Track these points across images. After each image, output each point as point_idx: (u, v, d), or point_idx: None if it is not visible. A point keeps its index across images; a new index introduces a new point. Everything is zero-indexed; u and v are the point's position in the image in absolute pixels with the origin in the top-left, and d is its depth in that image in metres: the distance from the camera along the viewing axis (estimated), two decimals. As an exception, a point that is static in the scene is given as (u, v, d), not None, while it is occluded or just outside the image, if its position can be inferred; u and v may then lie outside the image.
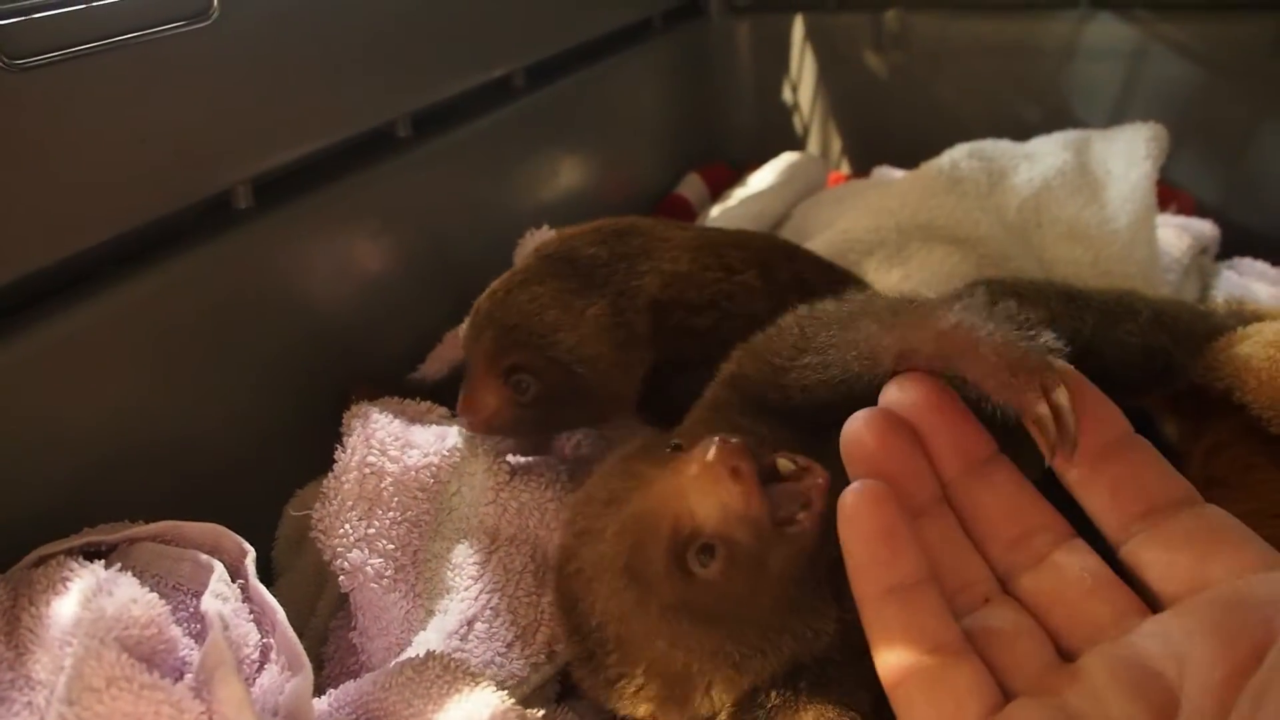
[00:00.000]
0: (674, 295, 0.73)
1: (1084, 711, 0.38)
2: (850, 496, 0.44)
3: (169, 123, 0.69)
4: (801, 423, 0.55)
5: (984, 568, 0.46)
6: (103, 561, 0.54)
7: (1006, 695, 0.41)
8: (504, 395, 0.70)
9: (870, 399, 0.48)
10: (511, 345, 0.69)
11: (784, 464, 0.48)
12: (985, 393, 0.45)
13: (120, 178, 0.66)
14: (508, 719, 0.54)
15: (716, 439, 0.47)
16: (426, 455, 0.72)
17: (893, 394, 0.47)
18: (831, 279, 0.80)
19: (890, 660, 0.43)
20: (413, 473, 0.70)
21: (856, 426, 0.46)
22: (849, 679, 0.51)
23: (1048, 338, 0.45)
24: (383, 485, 0.69)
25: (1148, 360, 0.66)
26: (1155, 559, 0.41)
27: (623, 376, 0.72)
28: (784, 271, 0.77)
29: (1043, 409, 0.43)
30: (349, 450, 0.69)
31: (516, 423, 0.71)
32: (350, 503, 0.67)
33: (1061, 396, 0.43)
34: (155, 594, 0.52)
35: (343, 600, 0.69)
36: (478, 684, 0.56)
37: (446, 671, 0.56)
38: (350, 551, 0.66)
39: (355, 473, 0.68)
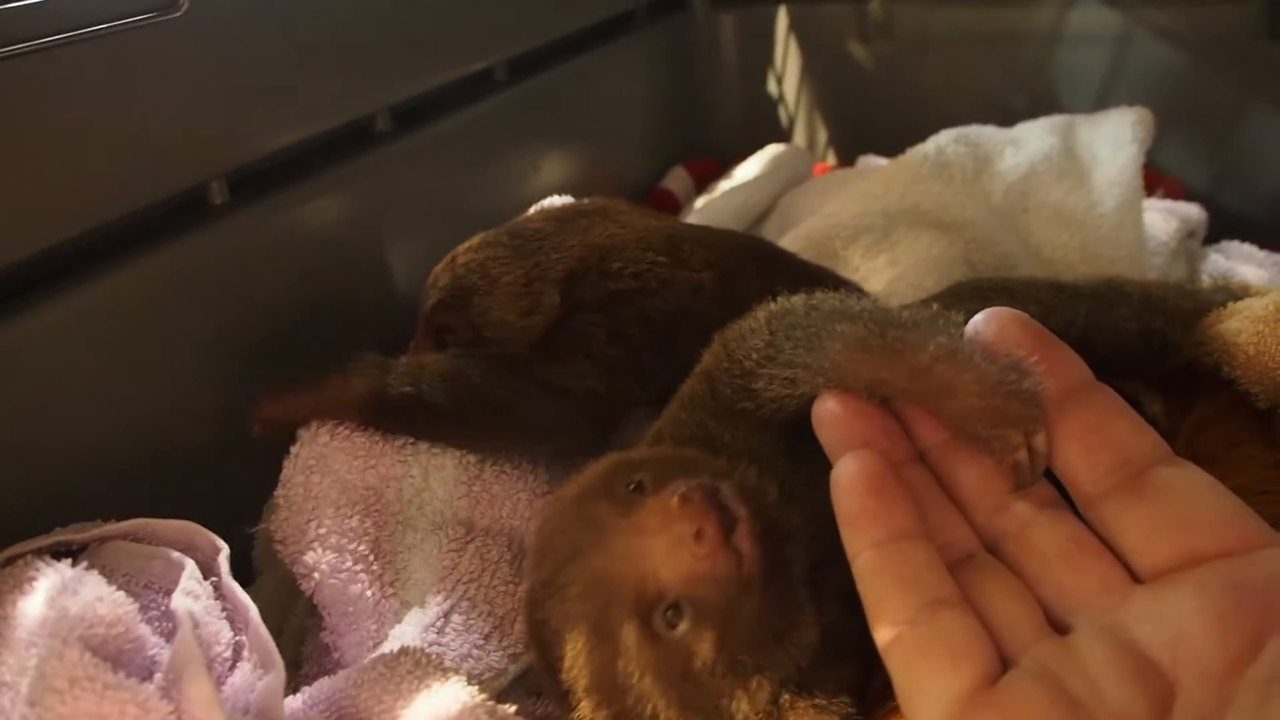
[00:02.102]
0: (593, 263, 0.75)
1: (1080, 695, 0.37)
2: (841, 460, 0.44)
3: (140, 117, 0.68)
4: (777, 425, 0.53)
5: (965, 527, 0.45)
6: (70, 560, 0.53)
7: (999, 660, 0.40)
8: (422, 340, 0.77)
9: None
10: (440, 307, 0.76)
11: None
12: (962, 434, 0.44)
13: (91, 173, 0.65)
14: (477, 714, 0.53)
15: (677, 496, 0.45)
16: (371, 448, 0.70)
17: None
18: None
19: (884, 616, 0.41)
20: (359, 467, 0.69)
21: (827, 403, 0.46)
22: (830, 683, 0.49)
23: (1032, 379, 0.42)
24: (325, 483, 0.67)
25: (1144, 343, 0.65)
26: (1136, 526, 0.40)
27: (531, 340, 0.75)
28: (752, 284, 0.76)
29: (1021, 456, 0.42)
30: (293, 457, 0.69)
31: None
32: (297, 507, 0.66)
33: (1040, 442, 0.42)
34: (123, 592, 0.51)
35: (319, 600, 0.68)
36: (449, 678, 0.55)
37: (418, 667, 0.55)
38: (305, 554, 0.65)
39: (300, 477, 0.67)
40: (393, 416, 0.69)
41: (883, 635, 0.41)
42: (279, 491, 0.68)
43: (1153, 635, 0.38)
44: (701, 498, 0.45)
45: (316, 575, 0.64)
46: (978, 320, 0.45)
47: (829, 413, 0.46)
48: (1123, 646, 0.38)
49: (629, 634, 0.45)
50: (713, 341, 0.58)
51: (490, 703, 0.54)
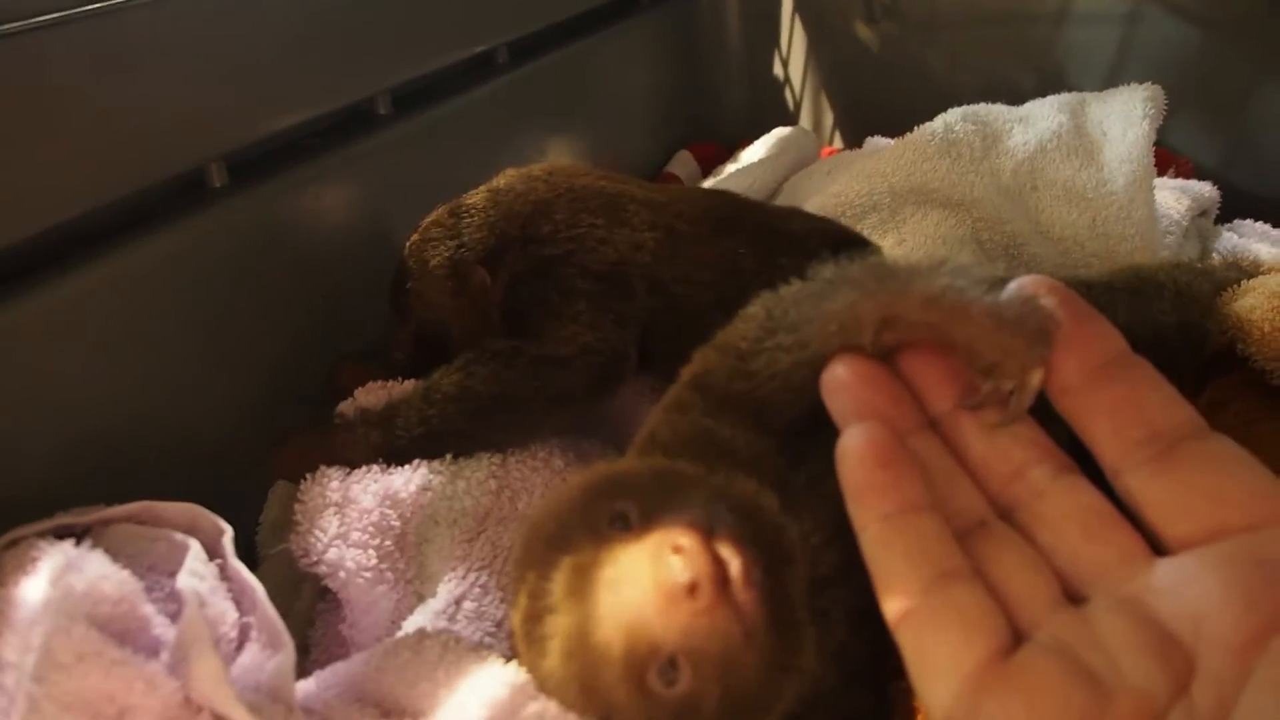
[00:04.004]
0: (514, 234, 0.75)
1: (1097, 669, 0.36)
2: (848, 431, 0.42)
3: (138, 97, 0.67)
4: (776, 421, 0.51)
5: (977, 495, 0.43)
6: (74, 542, 0.53)
7: (1015, 631, 0.39)
8: (401, 328, 0.80)
9: None
10: (395, 289, 0.80)
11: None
12: (978, 357, 0.42)
13: (87, 154, 0.65)
14: (526, 693, 0.51)
15: (669, 546, 0.41)
16: None
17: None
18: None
19: (893, 590, 0.40)
20: (379, 473, 0.68)
21: (836, 370, 0.44)
22: (838, 711, 0.47)
23: (1042, 312, 0.41)
24: (351, 479, 0.67)
25: (1184, 337, 0.64)
26: (1163, 498, 0.39)
27: (469, 319, 0.76)
28: (706, 246, 0.76)
29: (1037, 379, 0.41)
30: (308, 482, 0.68)
31: (415, 350, 0.80)
32: (322, 505, 0.65)
33: (1037, 377, 0.41)
34: (128, 572, 0.51)
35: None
36: (484, 660, 0.53)
37: (447, 650, 0.54)
38: (327, 552, 0.64)
39: (318, 488, 0.66)
40: (410, 456, 0.69)
41: (892, 610, 0.40)
42: (303, 489, 0.67)
43: (1173, 608, 0.37)
44: (695, 544, 0.40)
45: (342, 574, 0.64)
46: (1010, 290, 0.43)
47: (837, 380, 0.45)
48: (1142, 619, 0.37)
49: (621, 695, 0.42)
50: (695, 356, 0.56)
51: (533, 679, 0.51)
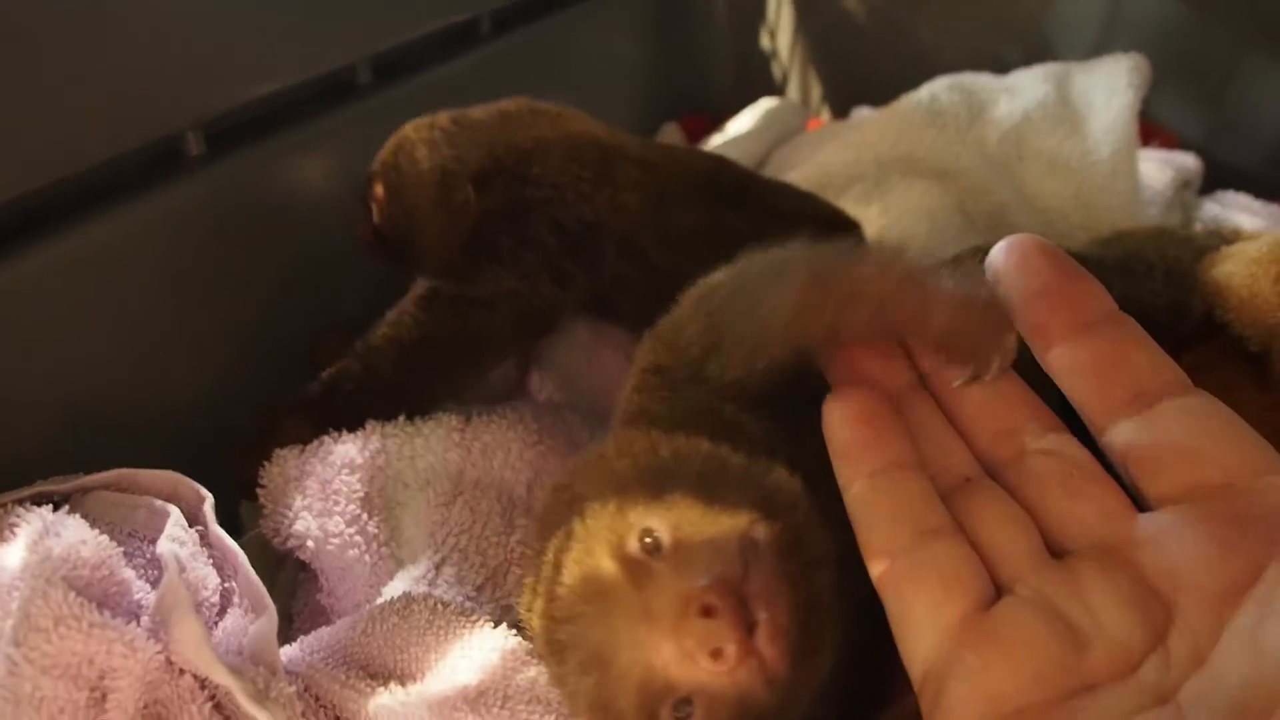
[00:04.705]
0: (508, 165, 0.74)
1: (1077, 619, 0.37)
2: (833, 392, 0.43)
3: (112, 62, 0.66)
4: (753, 394, 0.49)
5: (965, 452, 0.44)
6: (51, 509, 0.53)
7: (996, 585, 0.40)
8: (369, 216, 0.79)
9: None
10: (371, 177, 0.78)
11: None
12: (943, 354, 0.42)
13: (59, 120, 0.63)
14: (519, 658, 0.51)
15: (696, 606, 0.38)
16: None
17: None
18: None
19: (876, 548, 0.40)
20: (338, 437, 0.68)
21: None
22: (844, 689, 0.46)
23: (988, 288, 0.41)
24: (305, 461, 0.67)
25: (1172, 317, 0.64)
26: (1145, 454, 0.39)
27: (440, 233, 0.75)
28: (693, 211, 0.76)
29: (995, 369, 0.41)
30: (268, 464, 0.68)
31: (375, 245, 0.79)
32: (279, 491, 0.66)
33: (1009, 355, 0.42)
34: (106, 536, 0.51)
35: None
36: (474, 624, 0.53)
37: (435, 615, 0.54)
38: (294, 525, 0.64)
39: (277, 468, 0.66)
40: (355, 420, 0.69)
41: (875, 567, 0.40)
42: (267, 468, 0.67)
43: (1152, 562, 0.37)
44: (725, 605, 0.38)
45: (311, 543, 0.64)
46: (999, 248, 0.43)
47: None
48: (1121, 573, 0.37)
49: (631, 718, 0.41)
50: (644, 339, 0.54)
51: (527, 644, 0.52)
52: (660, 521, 0.41)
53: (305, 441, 0.68)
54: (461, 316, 0.71)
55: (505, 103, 0.80)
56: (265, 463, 0.67)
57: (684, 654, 0.38)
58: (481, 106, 0.79)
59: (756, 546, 0.40)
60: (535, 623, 0.46)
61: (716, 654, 0.37)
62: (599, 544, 0.42)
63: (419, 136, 0.77)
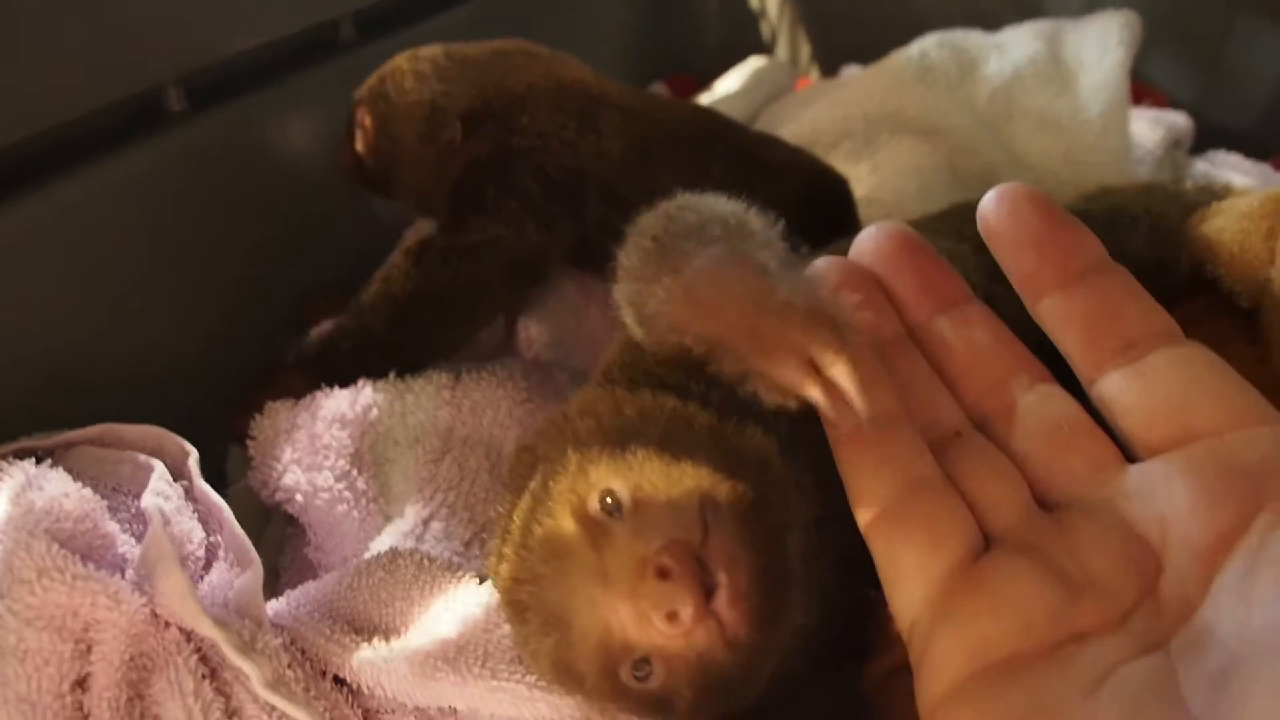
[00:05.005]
0: (498, 109, 0.73)
1: (1067, 570, 0.37)
2: None
3: (90, 15, 0.65)
4: None
5: (953, 405, 0.43)
6: (33, 460, 0.52)
7: (985, 537, 0.40)
8: (349, 142, 0.79)
9: None
10: (358, 103, 0.77)
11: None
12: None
13: (38, 73, 0.63)
14: (500, 614, 0.51)
15: (653, 568, 0.37)
16: None
17: (859, 244, 0.45)
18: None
19: (864, 499, 0.40)
20: (328, 393, 0.68)
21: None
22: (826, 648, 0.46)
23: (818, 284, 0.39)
24: (299, 407, 0.67)
25: (1159, 272, 0.64)
26: (1135, 404, 0.39)
27: (423, 170, 0.76)
28: (678, 160, 0.75)
29: (813, 391, 0.39)
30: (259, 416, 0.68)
31: (356, 169, 0.79)
32: (269, 444, 0.66)
33: (840, 373, 0.39)
34: (90, 490, 0.51)
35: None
36: (459, 579, 0.53)
37: (421, 570, 0.53)
38: (283, 478, 0.64)
39: (268, 420, 0.67)
40: (349, 377, 0.68)
41: (863, 517, 0.40)
42: (257, 422, 0.66)
43: (1141, 512, 0.37)
44: (681, 568, 0.37)
45: (299, 497, 0.64)
46: (988, 198, 0.42)
47: None
48: (1110, 523, 0.37)
49: (592, 682, 0.41)
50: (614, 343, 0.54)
51: None
52: (621, 482, 0.41)
53: (298, 396, 0.68)
54: (452, 268, 0.70)
55: (500, 42, 0.79)
56: (257, 414, 0.67)
57: (640, 616, 0.38)
58: (476, 43, 0.78)
59: (718, 508, 0.39)
60: (499, 584, 0.46)
61: (672, 617, 0.37)
62: (560, 504, 0.41)
63: (410, 67, 0.76)
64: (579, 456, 0.43)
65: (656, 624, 0.38)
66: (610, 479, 0.41)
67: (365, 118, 0.77)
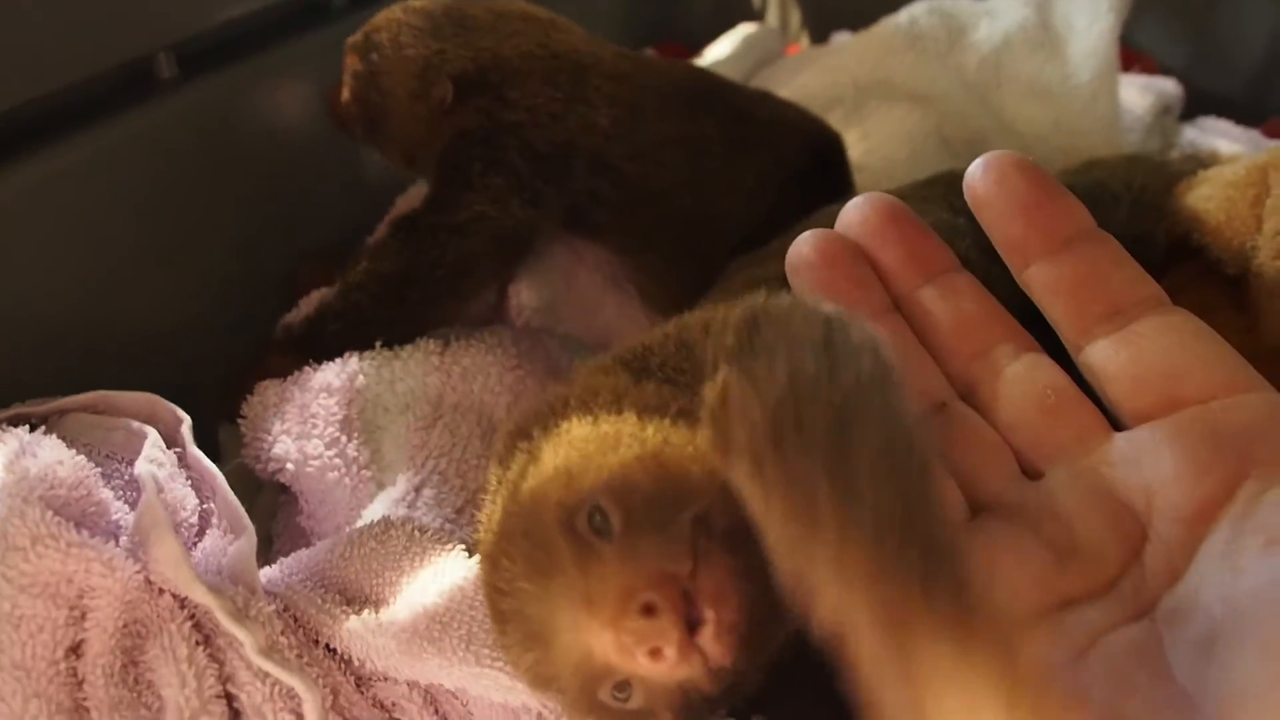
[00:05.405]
0: (493, 80, 0.72)
1: (1053, 538, 0.37)
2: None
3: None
4: None
5: (939, 376, 0.44)
6: (27, 428, 0.53)
7: (970, 508, 0.40)
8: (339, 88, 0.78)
9: None
10: (357, 44, 0.76)
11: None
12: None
13: (26, 39, 0.62)
14: None
15: (638, 604, 0.36)
16: None
17: (845, 216, 0.45)
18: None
19: None
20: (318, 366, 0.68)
21: (801, 248, 0.44)
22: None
23: None
24: (287, 382, 0.67)
25: (1138, 246, 0.64)
26: (1121, 372, 0.39)
27: (410, 127, 0.75)
28: (672, 123, 0.74)
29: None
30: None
31: (345, 117, 0.78)
32: (263, 412, 0.66)
33: None
34: (84, 457, 0.51)
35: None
36: (449, 548, 0.53)
37: (413, 540, 0.54)
38: (273, 448, 0.64)
39: (257, 398, 0.67)
40: (337, 353, 0.69)
41: None
42: (241, 422, 0.67)
43: (1127, 479, 0.37)
44: (666, 604, 0.36)
45: (290, 465, 0.64)
46: (976, 165, 0.42)
47: (801, 259, 0.44)
48: (1096, 491, 0.38)
49: (571, 694, 0.40)
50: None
51: None
52: (611, 500, 0.39)
53: (287, 374, 0.68)
54: (440, 245, 0.70)
55: (500, 2, 0.78)
56: (248, 396, 0.67)
57: (622, 647, 0.37)
58: (478, 4, 0.77)
59: (711, 533, 0.38)
60: (483, 579, 0.45)
61: (655, 653, 0.36)
62: (547, 514, 0.40)
63: (407, 20, 0.75)
64: (568, 459, 0.41)
65: (640, 659, 0.36)
66: (600, 494, 0.39)
67: (356, 64, 0.76)
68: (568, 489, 0.40)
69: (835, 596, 0.30)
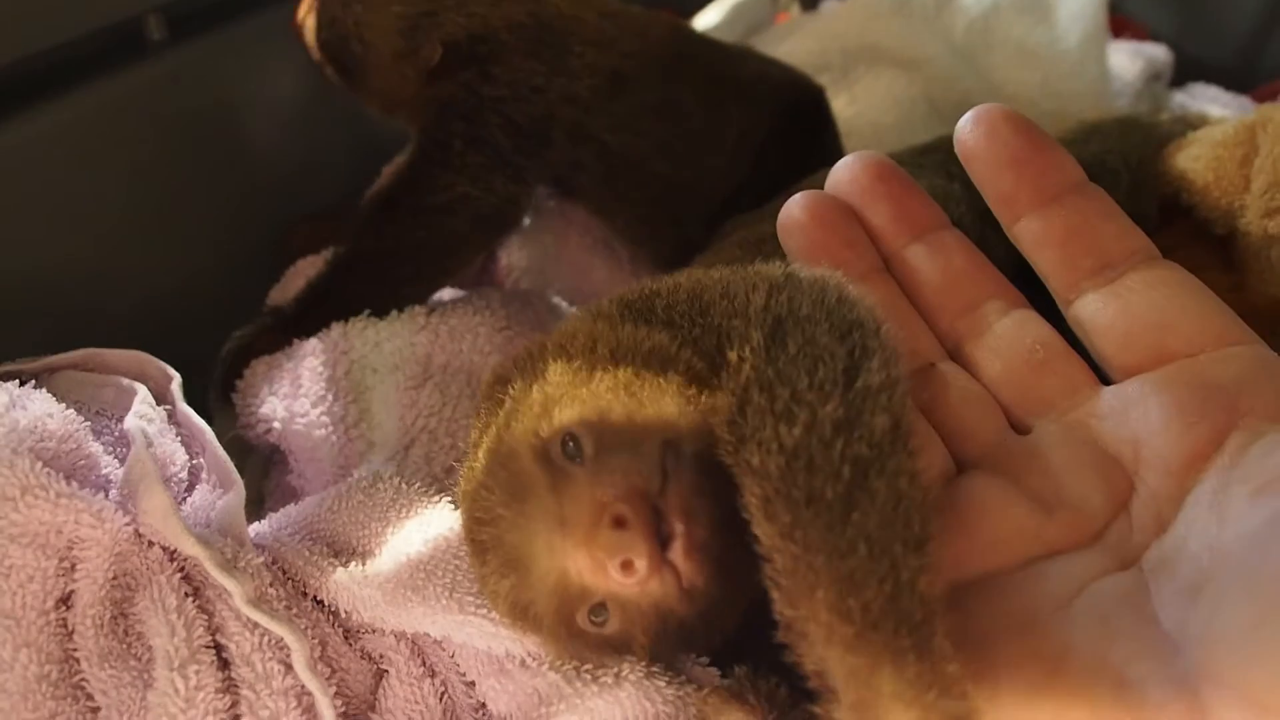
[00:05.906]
0: (482, 52, 0.71)
1: (1039, 490, 0.37)
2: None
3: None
4: None
5: (929, 335, 0.44)
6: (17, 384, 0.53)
7: (958, 464, 0.40)
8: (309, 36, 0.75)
9: None
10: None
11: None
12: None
13: (11, 1, 0.61)
14: None
15: (608, 517, 0.37)
16: None
17: (834, 175, 0.45)
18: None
19: None
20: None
21: (792, 209, 0.45)
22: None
23: None
24: (275, 355, 0.68)
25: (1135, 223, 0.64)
26: (1110, 325, 0.39)
27: (394, 80, 0.73)
28: (652, 90, 0.74)
29: None
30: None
31: (321, 66, 0.76)
32: (254, 384, 0.67)
33: None
34: (73, 411, 0.51)
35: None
36: (435, 501, 0.54)
37: (400, 494, 0.54)
38: (262, 407, 0.65)
39: (247, 370, 0.68)
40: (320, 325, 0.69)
41: None
42: (234, 397, 0.67)
43: (1114, 431, 0.38)
44: (636, 517, 0.37)
45: (277, 424, 0.64)
46: (966, 119, 0.42)
47: (793, 220, 0.45)
48: (1083, 443, 0.38)
49: (549, 625, 0.41)
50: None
51: None
52: (583, 425, 0.40)
53: (277, 350, 0.68)
54: (424, 226, 0.70)
55: None
56: (241, 374, 0.68)
57: (596, 564, 0.38)
58: None
59: (680, 455, 0.39)
60: (462, 519, 0.46)
61: (627, 565, 0.37)
62: (523, 446, 0.41)
63: None
64: (544, 395, 0.42)
65: (612, 573, 0.37)
66: (573, 421, 0.40)
67: (335, 9, 0.73)
68: (543, 421, 0.41)
69: (820, 652, 0.33)
